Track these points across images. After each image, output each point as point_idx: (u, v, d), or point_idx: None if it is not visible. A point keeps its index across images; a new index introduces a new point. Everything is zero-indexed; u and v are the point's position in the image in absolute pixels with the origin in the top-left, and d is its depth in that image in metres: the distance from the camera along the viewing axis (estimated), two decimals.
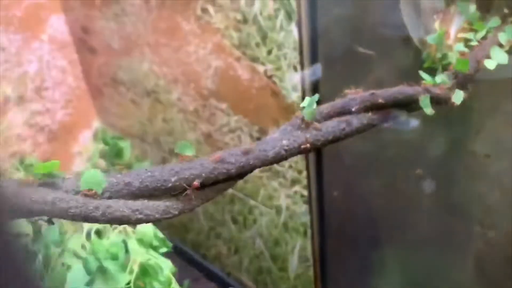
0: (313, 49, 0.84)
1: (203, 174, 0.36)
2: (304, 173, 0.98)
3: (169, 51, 1.12)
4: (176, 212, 0.35)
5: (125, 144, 1.11)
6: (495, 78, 0.65)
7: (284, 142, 0.41)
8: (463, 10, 0.60)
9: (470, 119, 0.71)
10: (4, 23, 1.31)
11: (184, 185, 0.35)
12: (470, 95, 0.57)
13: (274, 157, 0.40)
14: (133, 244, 0.63)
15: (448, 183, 0.79)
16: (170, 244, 0.71)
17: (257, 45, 0.90)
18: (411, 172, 0.84)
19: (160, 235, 0.70)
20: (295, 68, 0.86)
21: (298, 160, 0.98)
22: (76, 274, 0.57)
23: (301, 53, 0.84)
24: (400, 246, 0.97)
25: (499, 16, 0.63)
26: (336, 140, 0.45)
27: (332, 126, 0.45)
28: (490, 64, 0.55)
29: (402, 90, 0.46)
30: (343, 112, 0.46)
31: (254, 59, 0.93)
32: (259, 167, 0.40)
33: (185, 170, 0.36)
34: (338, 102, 0.46)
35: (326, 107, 0.46)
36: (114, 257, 0.58)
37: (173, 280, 0.62)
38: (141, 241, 0.65)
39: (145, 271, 0.59)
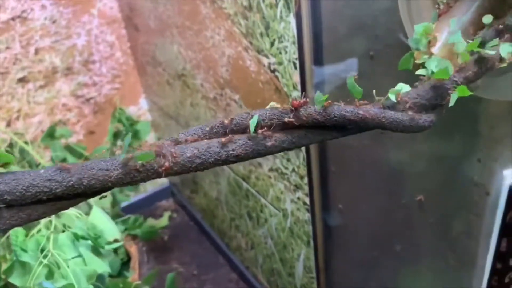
0: (316, 45, 0.74)
1: (16, 192, 0.32)
2: (306, 179, 0.90)
3: (192, 34, 1.08)
4: None
5: (142, 127, 1.09)
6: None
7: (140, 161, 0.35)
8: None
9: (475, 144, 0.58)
10: None
11: None
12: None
13: (120, 178, 0.34)
14: (64, 240, 0.61)
15: (448, 213, 0.67)
16: (105, 246, 0.68)
17: (261, 35, 0.82)
18: (416, 194, 0.72)
19: (101, 233, 0.67)
20: (294, 64, 0.77)
21: (300, 165, 0.89)
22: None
23: (300, 47, 0.75)
24: (406, 267, 0.86)
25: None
26: (219, 163, 0.37)
27: (218, 147, 0.37)
28: None
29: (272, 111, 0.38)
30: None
31: (259, 51, 0.85)
32: (100, 189, 0.34)
33: None
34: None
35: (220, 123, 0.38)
36: (34, 251, 0.56)
37: (83, 281, 0.59)
38: (76, 237, 0.63)
39: (51, 269, 0.56)
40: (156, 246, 1.68)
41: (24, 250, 0.59)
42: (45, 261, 0.57)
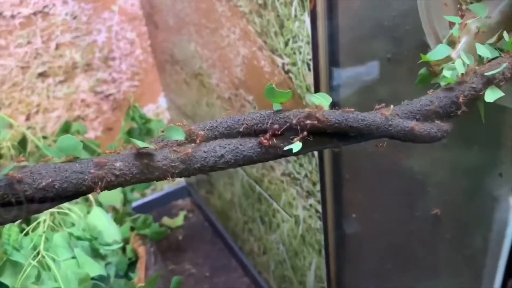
0: (331, 45, 0.71)
1: None
2: (319, 186, 0.86)
3: (208, 33, 1.06)
4: None
5: (156, 125, 1.08)
6: None
7: (118, 164, 0.32)
8: (478, 11, 0.43)
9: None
10: None
11: None
12: None
13: (95, 182, 0.31)
14: (59, 240, 0.59)
15: (466, 229, 0.62)
16: (103, 248, 0.66)
17: (276, 34, 0.79)
18: (432, 207, 0.68)
19: (99, 234, 0.64)
20: (308, 66, 0.74)
21: (312, 170, 0.86)
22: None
23: (314, 48, 0.71)
24: (420, 282, 0.81)
25: None
26: (207, 170, 0.34)
27: (205, 151, 0.34)
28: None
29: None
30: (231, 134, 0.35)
31: (273, 50, 0.82)
32: (73, 193, 0.32)
33: None
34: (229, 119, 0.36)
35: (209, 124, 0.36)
36: (27, 251, 0.54)
37: (73, 284, 0.57)
38: (71, 238, 0.61)
39: (39, 271, 0.55)
40: (170, 245, 1.67)
41: (17, 249, 0.57)
42: (33, 263, 0.56)
